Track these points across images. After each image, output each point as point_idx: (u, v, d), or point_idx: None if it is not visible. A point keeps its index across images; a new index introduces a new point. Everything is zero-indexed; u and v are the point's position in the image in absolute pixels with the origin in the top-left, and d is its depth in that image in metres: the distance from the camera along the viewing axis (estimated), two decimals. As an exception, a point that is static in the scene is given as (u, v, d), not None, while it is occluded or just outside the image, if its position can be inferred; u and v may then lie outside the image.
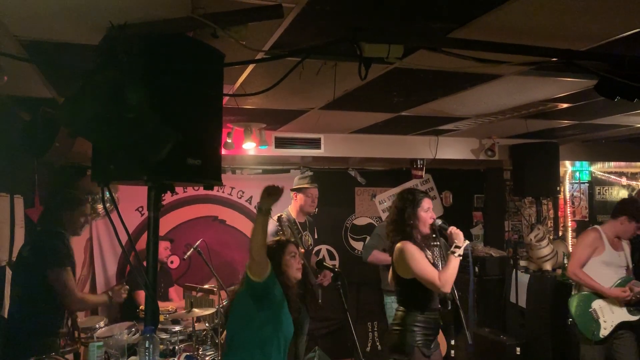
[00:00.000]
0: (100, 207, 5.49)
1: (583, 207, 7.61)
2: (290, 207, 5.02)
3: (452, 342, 4.19)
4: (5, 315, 3.67)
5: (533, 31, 2.54)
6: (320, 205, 6.51)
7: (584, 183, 7.62)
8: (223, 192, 6.46)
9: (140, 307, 4.74)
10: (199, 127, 2.14)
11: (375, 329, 6.61)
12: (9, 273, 3.80)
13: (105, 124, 1.90)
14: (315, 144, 5.73)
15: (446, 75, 3.29)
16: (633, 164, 7.64)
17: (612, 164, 7.61)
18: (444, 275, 3.39)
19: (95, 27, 2.22)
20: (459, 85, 3.64)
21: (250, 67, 3.08)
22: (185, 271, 6.21)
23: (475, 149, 6.23)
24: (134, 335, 3.76)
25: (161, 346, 3.98)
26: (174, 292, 5.94)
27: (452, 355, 4.09)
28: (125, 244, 2.54)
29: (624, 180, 7.68)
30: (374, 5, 2.24)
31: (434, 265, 3.57)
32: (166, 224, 6.10)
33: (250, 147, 5.21)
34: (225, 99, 3.72)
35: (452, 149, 6.18)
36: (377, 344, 6.60)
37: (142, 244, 5.51)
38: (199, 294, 5.13)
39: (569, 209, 7.60)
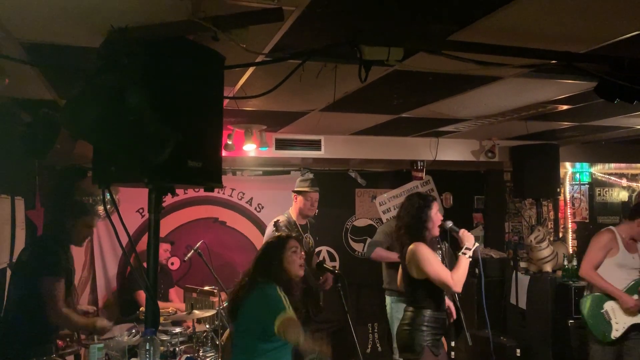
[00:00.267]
0: (101, 208, 5.49)
1: (583, 208, 7.61)
2: (291, 208, 5.02)
3: (453, 344, 4.20)
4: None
5: (533, 33, 2.55)
6: (321, 207, 6.51)
7: (584, 184, 7.62)
8: (223, 193, 6.47)
9: (141, 309, 4.74)
10: (200, 129, 2.14)
11: (376, 331, 6.61)
12: (9, 274, 3.80)
13: (106, 126, 1.91)
14: (316, 145, 5.73)
15: (446, 77, 3.29)
16: (633, 165, 7.64)
17: (613, 165, 7.61)
18: (456, 275, 3.52)
19: (96, 30, 2.22)
20: (459, 87, 3.64)
21: (251, 69, 3.09)
22: (186, 273, 6.22)
23: (476, 150, 6.23)
24: (134, 336, 3.76)
25: (162, 348, 3.98)
26: (174, 293, 5.95)
27: (453, 357, 4.10)
28: (125, 245, 2.55)
29: (624, 182, 7.68)
30: (374, 8, 2.24)
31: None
32: (167, 225, 6.11)
33: (250, 148, 5.21)
34: (226, 101, 3.73)
35: (453, 151, 6.18)
36: (378, 345, 6.60)
37: (142, 245, 5.50)
38: (200, 296, 5.14)
39: (569, 211, 7.60)
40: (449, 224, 3.74)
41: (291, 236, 3.18)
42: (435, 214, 3.69)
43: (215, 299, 4.81)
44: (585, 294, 4.55)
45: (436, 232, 3.72)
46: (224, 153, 3.97)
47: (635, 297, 4.25)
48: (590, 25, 2.48)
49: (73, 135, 2.11)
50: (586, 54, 2.80)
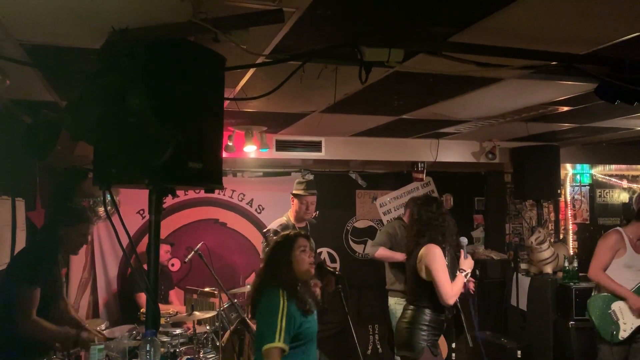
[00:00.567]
0: (101, 209, 5.49)
1: (584, 209, 7.60)
2: (289, 211, 5.00)
3: (453, 345, 4.20)
4: None
5: (533, 35, 2.55)
6: (321, 208, 6.52)
7: (584, 186, 7.61)
8: (224, 195, 6.47)
9: (141, 310, 4.74)
10: (200, 131, 2.14)
11: (376, 332, 6.61)
12: None
13: (107, 128, 1.91)
14: (316, 146, 5.73)
15: (447, 78, 3.29)
16: (634, 166, 7.64)
17: (613, 166, 7.60)
18: (456, 287, 3.64)
19: (97, 31, 2.23)
20: (459, 88, 3.65)
21: (252, 71, 3.09)
22: (186, 274, 6.22)
23: (476, 151, 6.23)
24: (135, 338, 3.76)
25: (162, 349, 3.98)
26: (175, 295, 5.95)
27: (453, 358, 4.10)
28: (126, 246, 2.55)
29: (624, 183, 7.67)
30: (374, 9, 2.24)
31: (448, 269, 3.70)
32: (167, 226, 6.11)
33: (251, 150, 5.21)
34: (226, 102, 3.73)
35: (453, 152, 6.18)
36: (378, 346, 6.60)
37: (143, 246, 5.51)
38: (200, 297, 5.14)
39: (569, 212, 7.59)
40: (465, 241, 3.85)
41: (300, 234, 3.07)
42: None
43: (216, 300, 4.81)
44: (592, 294, 4.55)
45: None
46: (224, 154, 3.98)
47: None
48: (590, 27, 2.48)
49: (74, 136, 2.10)
50: (587, 55, 2.80)
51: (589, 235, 7.27)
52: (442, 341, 5.05)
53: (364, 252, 7.05)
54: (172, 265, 6.17)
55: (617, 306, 4.30)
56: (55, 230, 3.52)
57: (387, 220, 6.92)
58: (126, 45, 2.01)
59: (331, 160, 6.06)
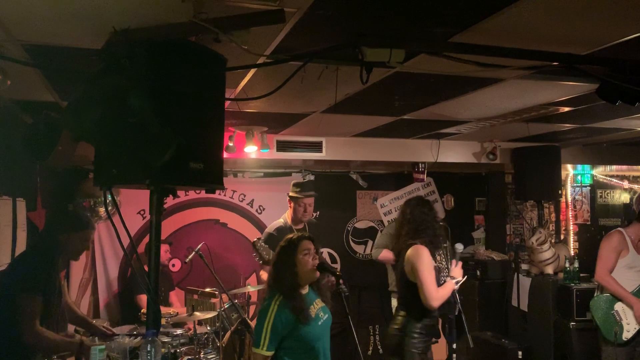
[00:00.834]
0: (102, 210, 5.50)
1: (585, 210, 7.59)
2: (286, 212, 4.94)
3: (454, 346, 4.19)
4: None
5: (534, 35, 2.55)
6: (322, 209, 6.52)
7: (585, 186, 7.60)
8: (225, 195, 6.47)
9: (142, 311, 4.74)
10: (201, 131, 2.14)
11: (377, 333, 6.60)
12: None
13: (107, 128, 1.91)
14: (317, 147, 5.73)
15: (448, 79, 3.29)
16: (635, 167, 7.63)
17: (614, 167, 7.60)
18: (442, 292, 3.58)
19: (98, 31, 2.23)
20: (460, 89, 3.64)
21: (252, 71, 3.09)
22: (187, 274, 6.23)
23: (477, 152, 6.22)
24: (135, 338, 3.75)
25: (163, 350, 3.98)
26: (175, 295, 5.95)
27: (454, 359, 4.09)
28: (126, 247, 2.55)
29: (625, 184, 7.66)
30: (375, 9, 2.24)
31: (439, 268, 3.67)
32: (168, 227, 6.11)
33: (252, 150, 5.21)
34: (227, 103, 3.73)
35: (454, 153, 6.18)
36: (379, 347, 6.59)
37: (144, 247, 5.51)
38: (201, 297, 5.14)
39: (570, 213, 7.58)
40: (460, 248, 3.83)
41: (304, 237, 3.05)
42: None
43: (216, 301, 4.81)
44: (595, 294, 4.54)
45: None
46: (225, 155, 3.98)
47: None
48: (591, 27, 2.48)
49: (74, 136, 2.10)
50: (588, 55, 2.80)
51: (590, 236, 7.26)
52: (442, 342, 5.06)
53: (364, 252, 7.04)
54: (173, 265, 6.17)
55: (620, 307, 4.30)
56: (57, 235, 3.46)
57: (388, 221, 6.92)
58: (127, 46, 2.01)
59: (332, 161, 6.06)
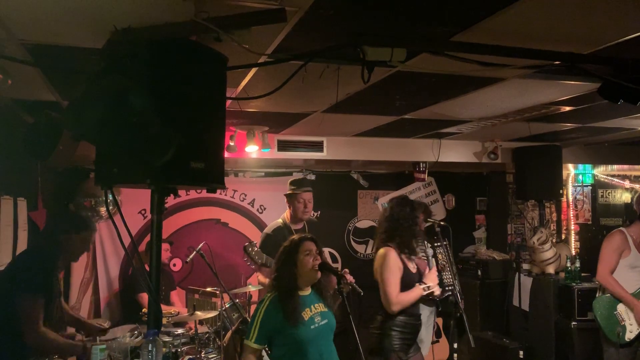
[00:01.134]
0: (103, 209, 5.49)
1: (586, 210, 7.59)
2: (285, 213, 4.82)
3: (455, 346, 4.19)
4: None
5: (536, 34, 2.54)
6: (323, 208, 6.52)
7: (586, 186, 7.60)
8: (225, 195, 6.47)
9: (143, 310, 4.74)
10: (202, 131, 2.14)
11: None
12: None
13: (108, 128, 1.91)
14: (318, 146, 5.73)
15: (449, 78, 3.29)
16: (636, 167, 7.62)
17: (615, 167, 7.59)
18: (402, 297, 3.57)
19: (99, 31, 2.22)
20: (461, 88, 3.64)
21: (253, 70, 3.09)
22: (188, 274, 6.23)
23: (478, 152, 6.22)
24: (136, 338, 3.75)
25: (164, 349, 3.98)
26: (176, 295, 5.95)
27: (455, 359, 4.08)
28: (128, 246, 2.54)
29: (627, 183, 7.66)
30: (376, 9, 2.24)
31: (417, 276, 3.64)
32: (169, 226, 6.12)
33: (253, 150, 5.21)
34: (228, 102, 3.73)
35: (455, 152, 6.17)
36: (380, 347, 6.59)
37: (144, 246, 5.50)
38: (202, 297, 5.14)
39: (571, 212, 7.59)
40: (430, 251, 3.86)
41: (306, 238, 3.09)
42: (421, 220, 3.85)
43: (217, 300, 4.81)
44: (597, 294, 4.54)
45: (419, 235, 3.81)
46: (226, 154, 3.97)
47: None
48: (593, 26, 2.47)
49: (75, 136, 2.10)
50: (590, 55, 2.79)
51: (591, 236, 7.26)
52: (443, 341, 5.06)
53: (365, 252, 7.04)
54: (174, 265, 6.18)
55: (623, 307, 4.29)
56: (58, 236, 3.46)
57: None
58: (128, 45, 2.01)
59: (333, 161, 6.05)
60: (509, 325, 6.18)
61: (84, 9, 2.13)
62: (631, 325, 4.24)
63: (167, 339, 4.22)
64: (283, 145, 5.58)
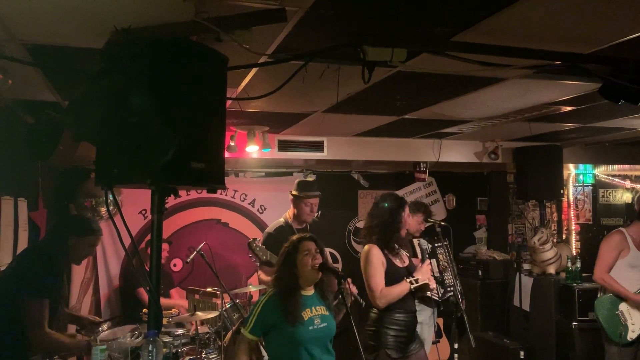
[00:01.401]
0: (103, 209, 5.49)
1: (587, 210, 7.59)
2: (287, 212, 4.79)
3: (456, 346, 4.19)
4: None
5: (537, 34, 2.54)
6: (323, 208, 6.49)
7: (587, 186, 7.60)
8: (226, 195, 6.46)
9: (144, 310, 4.74)
10: (203, 131, 2.13)
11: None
12: None
13: (109, 128, 1.90)
14: (319, 147, 5.72)
15: (450, 78, 3.28)
16: (637, 166, 7.62)
17: (616, 167, 7.59)
18: (387, 291, 3.54)
19: (99, 30, 2.22)
20: (462, 88, 3.64)
21: (254, 70, 3.08)
22: (188, 274, 6.22)
23: (479, 152, 6.22)
24: (137, 338, 3.75)
25: (164, 349, 3.98)
26: (176, 294, 5.95)
27: (456, 359, 4.08)
28: (128, 247, 2.54)
29: (627, 183, 7.66)
30: (377, 9, 2.24)
31: (405, 272, 3.63)
32: (169, 226, 6.11)
33: (253, 150, 5.21)
34: (229, 102, 3.73)
35: (456, 152, 6.17)
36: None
37: (145, 246, 5.46)
38: (202, 297, 5.14)
39: (572, 212, 7.58)
40: (424, 244, 3.82)
41: (304, 238, 3.12)
42: (408, 216, 3.77)
43: (218, 301, 4.80)
44: (598, 295, 4.53)
45: (403, 234, 3.77)
46: (226, 154, 3.97)
47: None
48: (594, 26, 2.47)
49: (76, 136, 2.10)
50: (590, 54, 2.79)
51: (592, 236, 7.26)
52: (444, 342, 5.06)
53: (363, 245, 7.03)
54: (174, 265, 6.17)
55: (625, 307, 4.29)
56: (65, 239, 3.44)
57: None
58: (128, 45, 2.00)
59: (333, 161, 6.05)
60: (509, 326, 6.18)
61: (85, 9, 2.13)
62: (633, 325, 4.24)
63: (167, 339, 4.22)
64: (283, 145, 5.58)
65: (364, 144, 5.90)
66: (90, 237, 3.53)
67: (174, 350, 4.15)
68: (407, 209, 3.77)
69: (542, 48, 2.62)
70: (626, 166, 7.56)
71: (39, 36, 2.48)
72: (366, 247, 3.68)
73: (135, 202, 5.83)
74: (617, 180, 7.67)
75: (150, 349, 2.07)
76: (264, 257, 4.19)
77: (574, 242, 7.51)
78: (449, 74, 3.14)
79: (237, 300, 4.79)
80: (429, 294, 3.80)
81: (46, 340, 3.19)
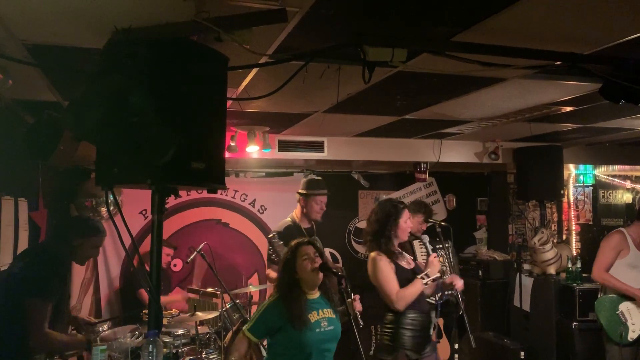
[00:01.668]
0: (104, 210, 5.50)
1: (587, 210, 7.58)
2: (294, 211, 4.79)
3: (456, 346, 4.18)
4: None
5: (537, 34, 2.54)
6: (324, 208, 6.49)
7: (587, 186, 7.59)
8: (226, 195, 6.46)
9: (144, 311, 4.74)
10: (203, 131, 2.13)
11: (379, 332, 6.59)
12: None
13: (109, 128, 1.90)
14: (319, 147, 5.72)
15: (450, 78, 3.28)
16: (637, 167, 7.61)
17: (616, 167, 7.59)
18: (403, 292, 3.55)
19: (100, 30, 2.22)
20: (462, 88, 3.64)
21: (254, 70, 3.08)
22: (189, 274, 6.22)
23: (479, 152, 6.22)
24: (137, 338, 3.75)
25: (164, 349, 3.98)
26: (178, 294, 5.95)
27: (456, 359, 4.08)
28: (128, 247, 2.54)
29: (628, 184, 7.65)
30: (377, 9, 2.24)
31: (412, 274, 3.63)
32: (169, 227, 6.11)
33: (253, 150, 5.21)
34: (229, 103, 3.73)
35: (456, 153, 6.17)
36: (381, 347, 6.58)
37: (145, 247, 5.52)
38: (202, 297, 5.14)
39: (572, 213, 7.58)
40: (425, 239, 3.81)
41: (302, 242, 3.13)
42: (405, 222, 3.73)
43: (218, 301, 4.80)
44: (599, 295, 4.53)
45: (403, 238, 3.77)
46: (227, 154, 3.97)
47: None
48: (595, 26, 2.47)
49: (76, 136, 2.10)
50: (591, 55, 2.79)
51: (592, 236, 7.25)
52: (444, 342, 5.05)
53: (366, 252, 7.03)
54: (174, 265, 6.17)
55: (625, 307, 4.28)
56: (71, 240, 3.45)
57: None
58: (128, 45, 2.00)
59: (334, 161, 6.05)
60: (509, 326, 6.17)
61: (85, 9, 2.13)
62: (634, 324, 4.24)
63: (167, 339, 4.22)
64: (284, 146, 5.58)
65: (364, 144, 5.90)
66: (94, 237, 3.55)
67: (174, 351, 4.15)
68: (404, 215, 3.72)
69: (543, 48, 2.61)
70: (626, 166, 7.56)
71: (39, 36, 2.47)
72: (371, 254, 3.68)
73: (136, 202, 5.83)
74: (617, 180, 7.66)
75: (150, 349, 2.07)
76: (282, 253, 4.18)
77: (574, 242, 7.51)
78: (450, 74, 3.14)
79: (237, 301, 4.79)
80: (429, 300, 3.83)
81: (45, 341, 3.19)
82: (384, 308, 3.75)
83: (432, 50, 2.58)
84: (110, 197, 2.12)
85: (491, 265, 6.37)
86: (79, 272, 5.66)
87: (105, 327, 3.87)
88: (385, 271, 3.59)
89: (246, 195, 6.58)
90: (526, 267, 6.06)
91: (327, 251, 6.82)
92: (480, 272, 6.39)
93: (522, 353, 5.39)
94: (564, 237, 7.47)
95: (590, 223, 7.52)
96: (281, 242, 4.14)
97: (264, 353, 3.24)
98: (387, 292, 3.55)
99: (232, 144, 5.09)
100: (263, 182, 6.68)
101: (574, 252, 6.88)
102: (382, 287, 3.58)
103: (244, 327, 3.02)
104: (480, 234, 7.53)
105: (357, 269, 6.75)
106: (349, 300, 3.36)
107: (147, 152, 1.91)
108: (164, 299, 5.30)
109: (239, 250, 6.44)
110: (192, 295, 5.26)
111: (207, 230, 6.34)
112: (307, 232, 4.67)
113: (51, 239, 3.97)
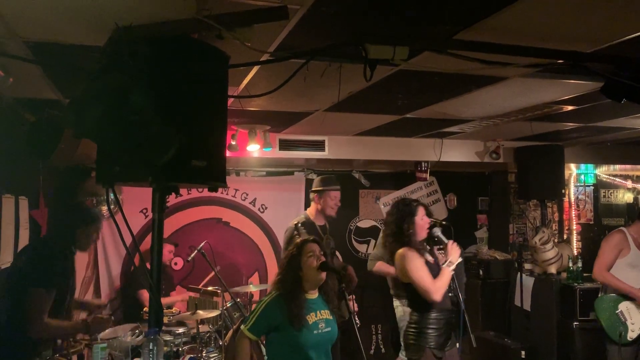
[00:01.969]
0: (104, 208, 5.49)
1: (588, 210, 7.58)
2: (308, 210, 4.89)
3: (457, 346, 4.17)
4: None
5: (539, 33, 2.53)
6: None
7: (589, 186, 7.59)
8: (227, 194, 6.46)
9: (145, 309, 4.74)
10: (204, 129, 2.13)
11: (379, 332, 6.60)
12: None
13: (110, 126, 1.90)
14: (320, 146, 5.72)
15: (451, 77, 3.28)
16: (638, 167, 7.61)
17: (617, 166, 7.58)
18: (438, 284, 3.56)
19: (101, 28, 2.22)
20: (464, 87, 3.63)
21: (255, 68, 3.08)
22: (189, 273, 6.22)
23: (480, 151, 6.21)
24: (137, 337, 3.75)
25: (165, 348, 3.97)
26: (177, 293, 5.95)
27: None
28: (129, 245, 2.54)
29: (629, 183, 7.65)
30: (379, 7, 2.23)
31: (436, 267, 3.65)
32: (170, 225, 6.11)
33: (254, 149, 5.21)
34: (230, 101, 3.72)
35: (457, 152, 6.17)
36: (381, 346, 6.59)
37: (146, 245, 5.52)
38: (203, 296, 5.13)
39: (573, 212, 7.57)
40: (437, 231, 3.81)
41: (308, 240, 3.14)
42: (422, 219, 3.74)
43: (219, 300, 4.80)
44: (599, 295, 4.53)
45: (424, 235, 3.77)
46: (227, 153, 3.97)
47: None
48: (596, 25, 2.46)
49: (77, 134, 2.09)
50: (592, 53, 2.78)
51: (593, 236, 7.25)
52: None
53: (366, 252, 7.03)
54: (175, 264, 6.17)
55: (625, 307, 4.28)
56: (74, 229, 3.52)
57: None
58: (129, 43, 2.00)
59: (334, 160, 6.05)
60: (510, 325, 6.17)
61: (86, 7, 2.13)
62: (633, 324, 4.23)
63: (168, 338, 4.22)
64: (284, 145, 5.58)
65: (365, 143, 5.89)
66: (97, 224, 3.64)
67: (174, 349, 4.15)
68: (419, 212, 3.75)
69: (544, 46, 2.61)
70: (627, 166, 7.55)
71: (40, 34, 2.47)
72: (400, 251, 3.66)
73: (137, 201, 5.82)
74: (618, 180, 7.66)
75: (150, 347, 2.07)
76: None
77: (575, 242, 7.50)
78: (451, 73, 3.13)
79: (238, 299, 4.79)
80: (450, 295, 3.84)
81: (44, 330, 3.24)
82: (410, 305, 3.76)
83: (433, 48, 2.58)
84: (111, 196, 2.11)
85: (492, 265, 6.36)
86: (79, 271, 5.64)
87: (120, 332, 3.87)
88: (419, 264, 3.59)
89: (247, 194, 6.57)
90: (527, 266, 6.06)
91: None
92: (481, 272, 6.39)
93: (523, 352, 5.39)
94: (565, 236, 7.46)
95: (591, 223, 7.52)
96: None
97: (264, 353, 3.23)
98: (425, 286, 3.53)
99: (233, 142, 5.09)
100: (264, 181, 6.68)
101: (575, 252, 6.88)
102: (418, 281, 3.55)
103: (243, 327, 2.99)
104: (481, 234, 7.53)
105: (356, 269, 6.76)
106: (343, 301, 3.35)
107: (148, 150, 1.91)
108: (166, 299, 5.30)
109: (240, 249, 6.43)
110: (192, 294, 5.26)
111: (207, 229, 6.34)
112: (321, 230, 4.75)
113: (53, 229, 3.99)
